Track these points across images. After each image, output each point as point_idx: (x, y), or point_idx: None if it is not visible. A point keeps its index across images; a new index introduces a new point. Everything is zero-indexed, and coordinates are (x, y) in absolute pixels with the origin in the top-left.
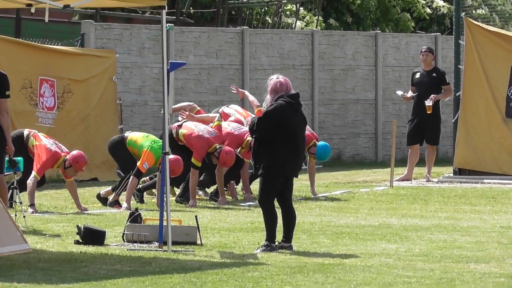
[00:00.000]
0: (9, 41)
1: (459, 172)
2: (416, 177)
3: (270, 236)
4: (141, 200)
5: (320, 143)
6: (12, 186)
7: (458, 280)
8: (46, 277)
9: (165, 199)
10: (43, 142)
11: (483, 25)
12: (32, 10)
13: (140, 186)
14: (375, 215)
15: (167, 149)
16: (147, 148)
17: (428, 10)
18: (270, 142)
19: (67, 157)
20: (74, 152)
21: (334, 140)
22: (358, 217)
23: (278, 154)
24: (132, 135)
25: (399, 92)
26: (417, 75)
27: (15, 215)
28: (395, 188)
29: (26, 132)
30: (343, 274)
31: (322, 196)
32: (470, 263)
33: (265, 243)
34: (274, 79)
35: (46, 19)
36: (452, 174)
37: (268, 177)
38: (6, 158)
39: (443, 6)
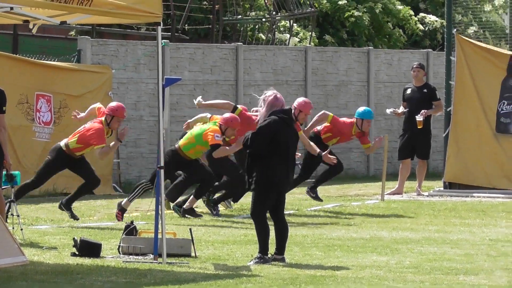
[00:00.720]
0: (6, 57)
1: (450, 186)
2: (407, 191)
3: (263, 248)
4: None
5: (357, 112)
6: (9, 200)
7: None
8: None
9: (159, 212)
10: (81, 131)
11: (475, 42)
12: (30, 26)
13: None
14: (366, 228)
15: (162, 163)
16: (208, 127)
17: (421, 27)
18: (264, 156)
19: (106, 111)
20: (111, 104)
21: None
22: (350, 230)
23: (271, 168)
24: (181, 142)
25: (389, 110)
26: (408, 91)
27: (13, 228)
28: (386, 202)
29: (62, 143)
30: (335, 286)
31: (314, 210)
32: (459, 275)
33: (258, 255)
34: (270, 93)
35: (34, 31)
36: (442, 188)
37: (261, 191)
38: (4, 172)
39: (436, 21)
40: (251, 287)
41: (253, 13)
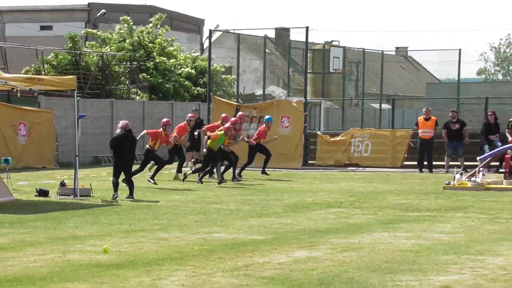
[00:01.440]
0: (5, 105)
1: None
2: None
3: (115, 190)
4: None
5: (265, 118)
6: (6, 171)
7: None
8: (22, 211)
9: (76, 175)
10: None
11: (220, 98)
12: (16, 91)
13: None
14: (162, 184)
15: (77, 153)
16: (215, 133)
17: (196, 92)
18: (117, 151)
19: (162, 124)
20: (163, 120)
21: None
22: (156, 185)
23: (120, 158)
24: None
25: (196, 132)
26: (192, 122)
27: (7, 183)
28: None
29: (147, 146)
30: (156, 209)
31: (148, 175)
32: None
33: (113, 194)
34: (122, 121)
35: (18, 95)
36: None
37: (115, 168)
38: (3, 158)
39: (200, 90)
40: (117, 210)
41: (120, 85)
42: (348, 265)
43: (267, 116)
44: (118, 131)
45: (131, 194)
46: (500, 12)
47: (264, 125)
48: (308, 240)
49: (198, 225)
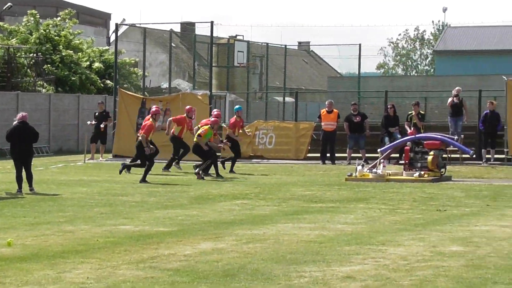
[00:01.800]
0: None
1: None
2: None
3: (19, 186)
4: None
5: (235, 108)
6: None
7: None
8: None
9: None
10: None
11: (126, 91)
12: None
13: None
14: (84, 174)
15: None
16: (202, 128)
17: (101, 85)
18: (11, 144)
19: (151, 112)
20: (152, 108)
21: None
22: (79, 174)
23: (15, 149)
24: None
25: (88, 122)
26: (97, 113)
27: None
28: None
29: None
30: (68, 202)
31: (56, 167)
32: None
33: (17, 190)
34: (20, 114)
35: None
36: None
37: (14, 162)
38: None
39: (109, 83)
40: (23, 203)
41: (26, 78)
42: (253, 257)
43: (236, 106)
44: (15, 123)
45: (30, 186)
46: (398, 8)
47: (235, 116)
48: (213, 232)
49: (104, 217)
